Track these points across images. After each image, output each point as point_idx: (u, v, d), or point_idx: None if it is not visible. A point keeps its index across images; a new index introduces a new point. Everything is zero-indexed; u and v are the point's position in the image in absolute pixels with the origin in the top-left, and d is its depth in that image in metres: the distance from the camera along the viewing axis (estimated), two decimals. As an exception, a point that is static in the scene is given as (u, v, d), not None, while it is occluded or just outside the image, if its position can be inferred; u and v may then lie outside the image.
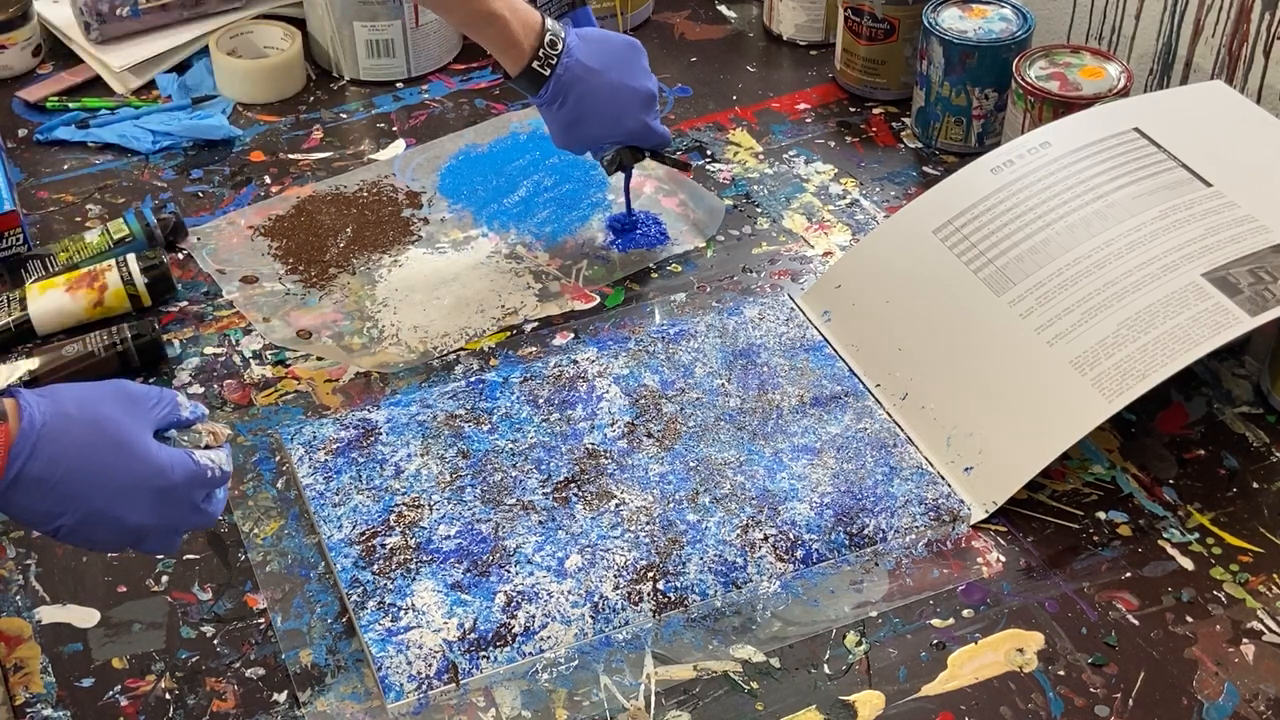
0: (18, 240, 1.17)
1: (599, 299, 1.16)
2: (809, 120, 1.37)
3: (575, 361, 1.08)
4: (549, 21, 1.10)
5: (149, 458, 0.79)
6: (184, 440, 0.83)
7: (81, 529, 0.79)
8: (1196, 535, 0.96)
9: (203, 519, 0.83)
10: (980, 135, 1.31)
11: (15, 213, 1.17)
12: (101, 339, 1.08)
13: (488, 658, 0.88)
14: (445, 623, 0.89)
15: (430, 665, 0.87)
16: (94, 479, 0.77)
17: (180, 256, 1.20)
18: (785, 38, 1.48)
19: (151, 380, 1.08)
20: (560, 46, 1.09)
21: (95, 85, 1.41)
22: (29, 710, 0.86)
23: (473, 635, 0.89)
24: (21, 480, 0.76)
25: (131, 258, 1.14)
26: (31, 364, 1.06)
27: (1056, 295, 1.01)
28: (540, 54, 1.09)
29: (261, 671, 0.88)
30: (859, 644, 0.89)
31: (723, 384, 1.06)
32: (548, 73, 1.09)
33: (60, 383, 0.84)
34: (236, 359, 1.10)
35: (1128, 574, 0.94)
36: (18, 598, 0.93)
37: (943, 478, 0.99)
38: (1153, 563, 0.95)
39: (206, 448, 0.83)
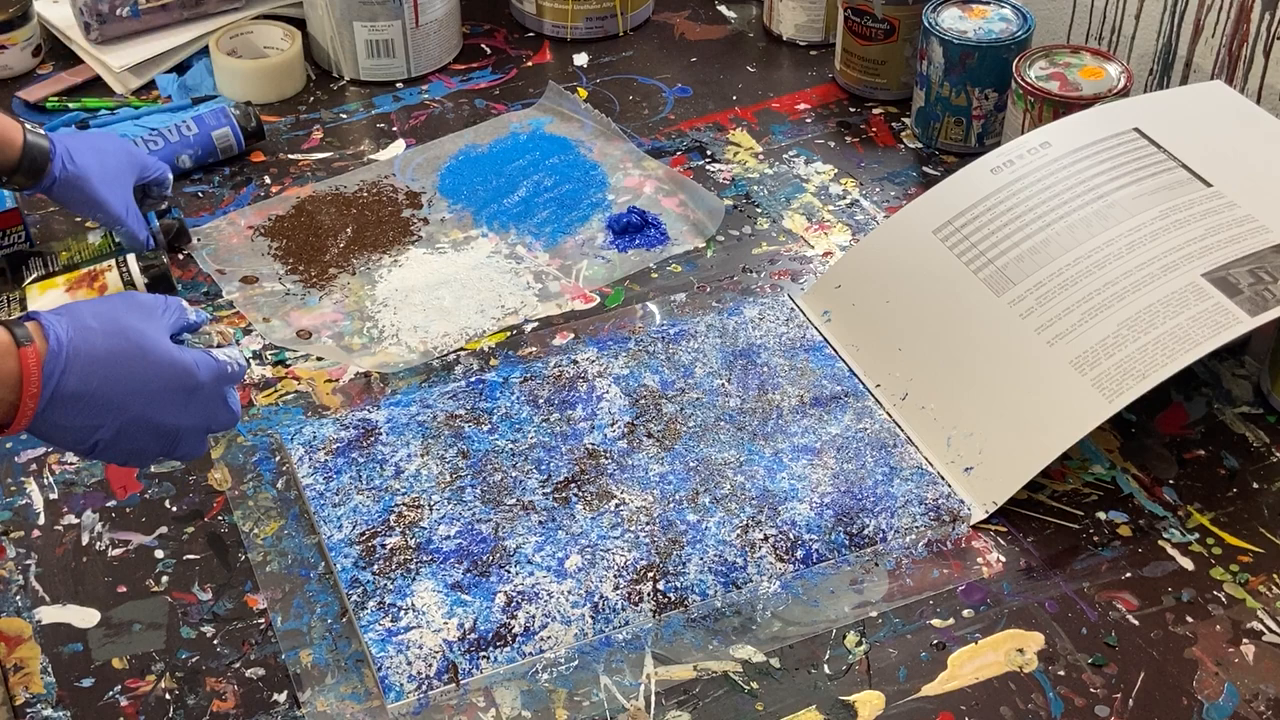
0: (19, 237, 1.17)
1: (599, 299, 1.16)
2: (809, 120, 1.37)
3: (575, 361, 1.08)
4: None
5: (174, 359, 0.81)
6: (197, 342, 0.86)
7: (119, 440, 0.80)
8: (1196, 535, 0.96)
9: (229, 415, 0.85)
10: (980, 135, 1.31)
11: (17, 210, 1.17)
12: (101, 339, 1.08)
13: (488, 658, 0.88)
14: (445, 623, 0.89)
15: (430, 665, 0.87)
16: (126, 385, 0.79)
17: (180, 257, 1.20)
18: (785, 38, 1.48)
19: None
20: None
21: (95, 85, 1.41)
22: (29, 710, 0.86)
23: (473, 635, 0.89)
24: (58, 398, 0.77)
25: (131, 257, 1.14)
26: (31, 364, 1.06)
27: (1056, 295, 1.01)
28: (27, 129, 1.08)
29: (261, 671, 0.88)
30: (859, 644, 0.89)
31: (723, 384, 1.06)
32: (44, 135, 1.08)
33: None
34: (236, 359, 1.10)
35: (1128, 574, 0.94)
36: (18, 598, 0.93)
37: (943, 478, 0.99)
38: (1153, 563, 0.95)
39: (219, 346, 0.86)
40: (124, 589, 0.93)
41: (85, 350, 0.78)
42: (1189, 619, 0.91)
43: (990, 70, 1.27)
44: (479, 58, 1.46)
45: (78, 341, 0.78)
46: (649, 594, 0.91)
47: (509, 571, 0.92)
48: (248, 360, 0.86)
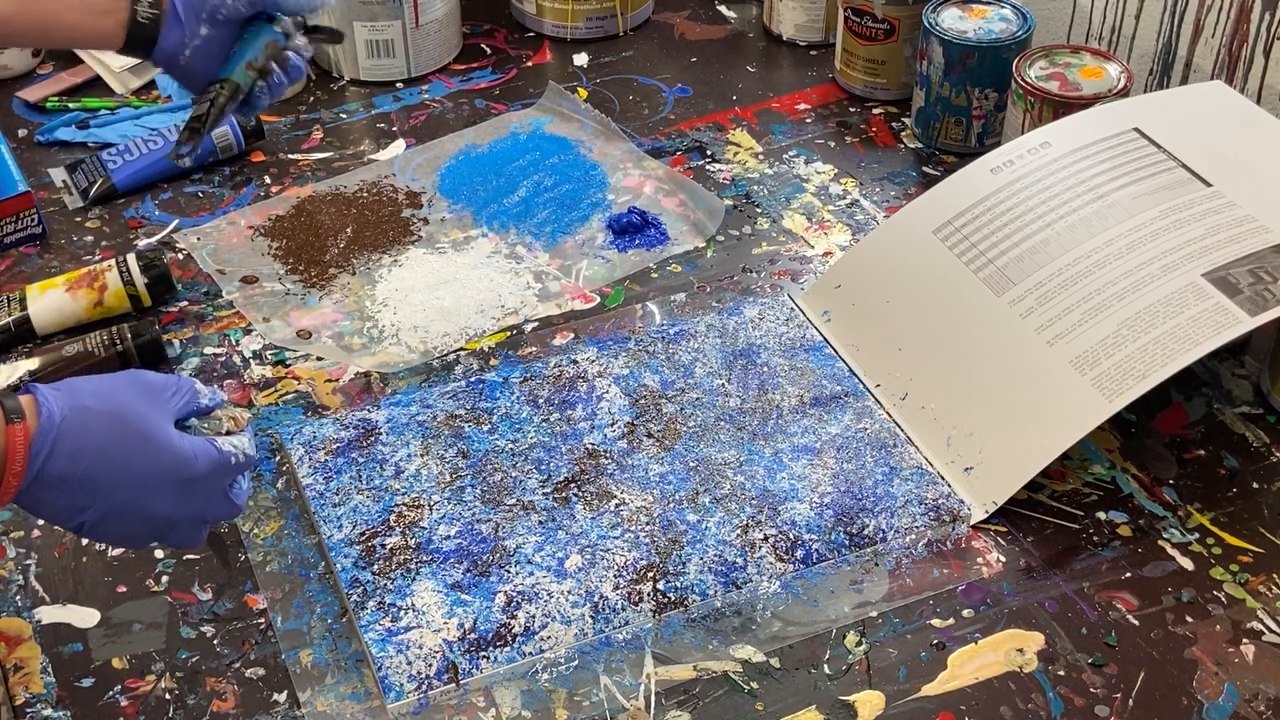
0: (33, 221, 1.17)
1: (599, 299, 1.16)
2: (809, 120, 1.37)
3: (575, 361, 1.08)
4: None
5: (172, 448, 0.78)
6: (205, 428, 0.82)
7: (105, 524, 0.78)
8: (1196, 535, 0.96)
9: (229, 508, 0.82)
10: (980, 135, 1.31)
11: (29, 194, 1.17)
12: (101, 339, 1.08)
13: (488, 658, 0.88)
14: (445, 623, 0.89)
15: (430, 665, 0.87)
16: (117, 472, 0.76)
17: (180, 257, 1.20)
18: (785, 38, 1.48)
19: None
20: None
21: (95, 85, 1.41)
22: (29, 710, 0.86)
23: (473, 635, 0.88)
24: (44, 477, 0.75)
25: (131, 257, 1.14)
26: (31, 364, 1.06)
27: (1056, 295, 1.01)
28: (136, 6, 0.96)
29: (261, 671, 0.88)
30: (859, 644, 0.89)
31: (723, 384, 1.06)
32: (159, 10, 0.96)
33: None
34: (236, 359, 1.10)
35: (1128, 574, 0.94)
36: (18, 598, 0.93)
37: (943, 478, 0.99)
38: (1153, 563, 0.95)
39: (228, 434, 0.82)
40: (124, 589, 0.93)
41: (77, 431, 0.75)
42: (1189, 619, 0.91)
43: (990, 70, 1.27)
44: (479, 58, 1.46)
45: (71, 421, 0.75)
46: (649, 594, 0.91)
47: (509, 571, 0.92)
48: (258, 451, 0.83)
